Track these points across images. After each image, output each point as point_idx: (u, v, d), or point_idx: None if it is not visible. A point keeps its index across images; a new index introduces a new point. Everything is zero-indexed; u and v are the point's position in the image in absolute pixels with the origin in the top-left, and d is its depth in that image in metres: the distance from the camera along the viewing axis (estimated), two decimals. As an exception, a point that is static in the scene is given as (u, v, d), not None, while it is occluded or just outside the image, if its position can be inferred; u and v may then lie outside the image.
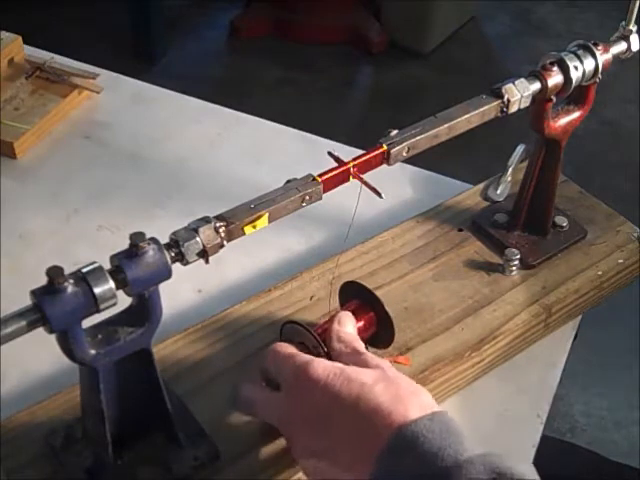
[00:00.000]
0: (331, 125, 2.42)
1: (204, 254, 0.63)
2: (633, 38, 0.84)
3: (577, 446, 1.33)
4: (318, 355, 0.74)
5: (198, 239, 0.62)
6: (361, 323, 0.78)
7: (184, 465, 0.71)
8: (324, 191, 0.69)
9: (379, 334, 0.79)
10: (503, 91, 0.77)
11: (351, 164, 0.70)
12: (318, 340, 0.74)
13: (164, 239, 0.62)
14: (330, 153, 0.71)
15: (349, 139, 1.08)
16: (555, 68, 0.79)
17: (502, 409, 0.84)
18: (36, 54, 1.19)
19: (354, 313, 0.78)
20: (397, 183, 1.06)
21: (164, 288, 0.62)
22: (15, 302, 0.58)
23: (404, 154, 0.73)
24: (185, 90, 1.21)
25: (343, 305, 0.81)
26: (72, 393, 0.74)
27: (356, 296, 0.80)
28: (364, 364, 0.69)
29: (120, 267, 0.58)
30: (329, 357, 0.73)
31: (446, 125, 0.74)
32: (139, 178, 1.07)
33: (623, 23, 0.83)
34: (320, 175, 0.69)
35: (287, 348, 0.72)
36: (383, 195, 0.68)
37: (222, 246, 0.64)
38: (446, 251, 0.92)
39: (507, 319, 0.85)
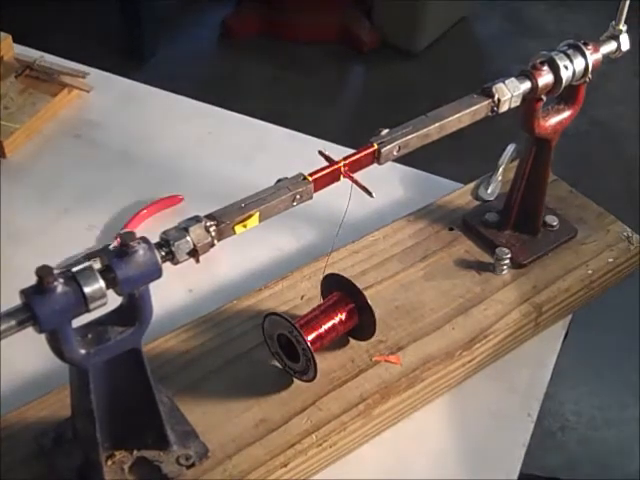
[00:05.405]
0: (322, 124, 2.42)
1: (194, 253, 0.63)
2: (623, 38, 0.84)
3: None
4: (297, 344, 0.74)
5: (188, 238, 0.62)
6: (343, 315, 0.78)
7: (174, 465, 0.71)
8: (315, 190, 0.69)
9: (361, 325, 0.80)
10: (494, 90, 0.77)
11: (342, 163, 0.70)
12: (297, 329, 0.74)
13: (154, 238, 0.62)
14: (321, 152, 0.71)
15: (340, 138, 1.08)
16: (545, 67, 0.79)
17: (493, 408, 0.84)
18: (26, 53, 1.18)
19: (335, 305, 0.78)
20: (388, 182, 1.06)
21: (155, 287, 0.62)
22: (5, 301, 0.57)
23: (395, 153, 0.73)
24: (176, 89, 1.20)
25: (325, 297, 0.81)
26: (62, 393, 0.74)
27: (337, 288, 0.80)
28: None
29: (110, 266, 0.58)
30: (308, 347, 0.73)
31: (437, 124, 0.74)
32: (129, 177, 1.06)
33: (613, 23, 0.84)
34: (311, 174, 0.69)
35: None
36: (374, 194, 0.68)
37: (212, 245, 0.64)
38: (437, 250, 0.92)
39: (498, 318, 0.85)
